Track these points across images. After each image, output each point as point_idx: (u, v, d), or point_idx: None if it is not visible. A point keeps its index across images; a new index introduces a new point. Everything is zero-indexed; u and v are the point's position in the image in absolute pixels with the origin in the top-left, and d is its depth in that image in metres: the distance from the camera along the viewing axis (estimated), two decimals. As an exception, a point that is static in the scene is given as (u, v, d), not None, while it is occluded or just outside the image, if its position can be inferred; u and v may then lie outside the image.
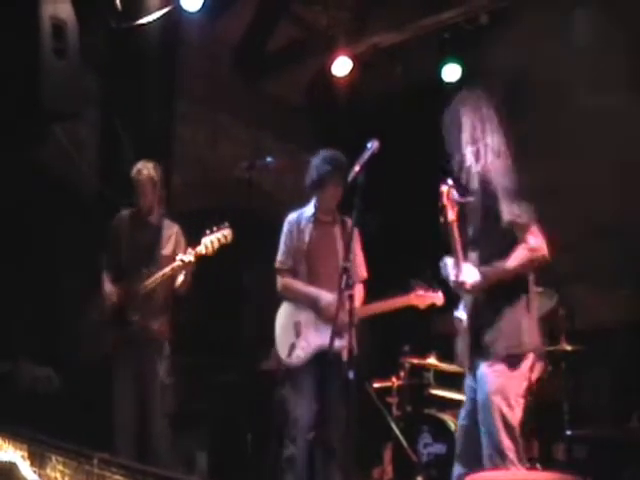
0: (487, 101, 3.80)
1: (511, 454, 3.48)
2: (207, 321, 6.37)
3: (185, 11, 5.86)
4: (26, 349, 5.65)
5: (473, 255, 3.69)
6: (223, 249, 4.86)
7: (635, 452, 4.45)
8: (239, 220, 5.04)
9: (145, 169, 5.09)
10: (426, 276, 4.63)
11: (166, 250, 5.07)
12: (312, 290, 4.65)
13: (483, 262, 3.62)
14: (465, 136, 3.73)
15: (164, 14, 5.90)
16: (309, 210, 4.82)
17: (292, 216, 4.86)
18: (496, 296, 3.57)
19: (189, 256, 4.84)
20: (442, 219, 3.69)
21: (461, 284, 3.58)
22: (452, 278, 3.64)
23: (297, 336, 4.65)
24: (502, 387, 3.51)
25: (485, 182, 3.64)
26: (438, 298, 4.71)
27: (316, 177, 4.71)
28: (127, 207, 5.26)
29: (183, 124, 6.91)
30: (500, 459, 3.47)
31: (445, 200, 3.70)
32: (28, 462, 3.78)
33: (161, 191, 5.17)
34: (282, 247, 4.81)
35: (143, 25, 5.91)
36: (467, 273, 3.57)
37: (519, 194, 3.55)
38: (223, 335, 6.31)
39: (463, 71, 6.62)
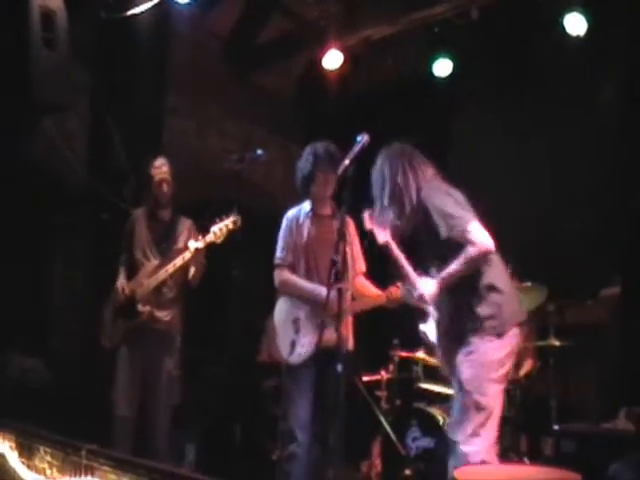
0: (409, 147, 4.02)
1: (470, 428, 3.61)
2: (197, 314, 6.36)
3: (175, 2, 5.85)
4: (15, 341, 5.64)
5: (434, 270, 3.88)
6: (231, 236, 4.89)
7: (622, 447, 4.46)
8: (229, 212, 5.04)
9: (164, 165, 5.12)
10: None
11: (179, 244, 5.09)
12: (314, 287, 4.58)
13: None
14: (390, 184, 3.91)
15: (154, 5, 5.86)
16: (307, 205, 4.77)
17: (291, 212, 4.81)
18: (457, 290, 3.76)
19: (199, 243, 4.86)
20: (367, 243, 3.94)
21: (421, 297, 3.83)
22: (414, 295, 3.88)
23: (297, 332, 4.59)
24: (475, 375, 3.66)
25: (418, 203, 3.84)
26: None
27: (301, 176, 4.69)
28: (138, 206, 5.30)
29: (173, 116, 6.89)
30: (461, 431, 3.64)
31: (369, 224, 4.03)
32: (16, 453, 3.78)
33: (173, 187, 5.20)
34: (281, 243, 4.76)
35: (133, 16, 5.88)
36: (424, 286, 3.83)
37: (452, 204, 3.76)
38: (212, 328, 6.30)
39: (453, 65, 6.63)
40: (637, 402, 4.90)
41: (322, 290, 4.48)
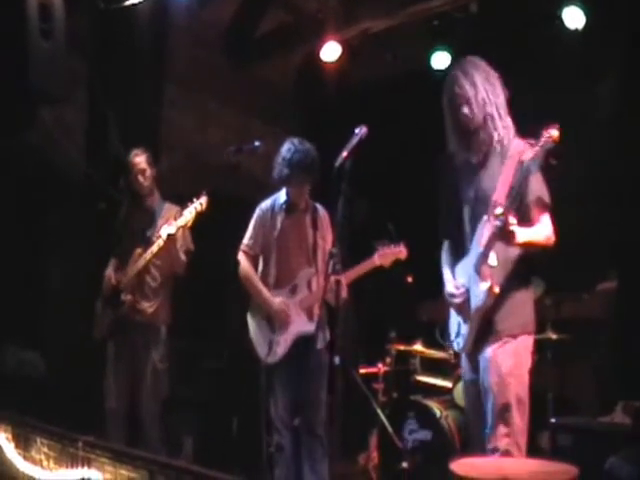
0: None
1: (519, 436, 3.60)
2: (194, 306, 6.36)
3: (174, -7, 5.83)
4: (12, 333, 5.63)
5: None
6: (202, 220, 4.91)
7: (619, 441, 4.47)
8: (227, 205, 5.04)
9: (138, 156, 5.16)
10: (388, 230, 4.67)
11: (160, 231, 5.06)
12: (267, 297, 4.67)
13: None
14: (481, 96, 3.76)
15: (152, -4, 5.85)
16: (282, 197, 4.84)
17: (265, 203, 4.89)
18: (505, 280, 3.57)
19: (171, 228, 4.85)
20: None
21: (511, 232, 3.41)
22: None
23: (273, 331, 4.66)
24: (515, 367, 3.55)
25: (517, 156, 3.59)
26: (401, 252, 4.68)
27: (277, 176, 4.76)
28: (123, 195, 5.32)
29: (171, 108, 6.87)
30: (510, 439, 3.57)
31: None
32: (13, 444, 3.78)
33: (155, 174, 5.24)
34: (251, 231, 4.84)
35: (131, 7, 5.86)
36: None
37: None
38: (210, 320, 6.30)
39: (452, 59, 6.60)
40: (634, 396, 4.90)
41: (273, 303, 4.63)
